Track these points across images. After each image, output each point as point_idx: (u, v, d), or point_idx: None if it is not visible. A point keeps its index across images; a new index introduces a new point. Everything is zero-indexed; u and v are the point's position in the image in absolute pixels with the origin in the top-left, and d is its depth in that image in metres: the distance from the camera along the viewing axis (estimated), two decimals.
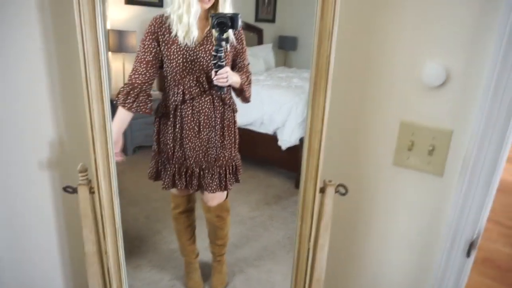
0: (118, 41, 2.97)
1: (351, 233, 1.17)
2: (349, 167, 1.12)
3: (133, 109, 1.38)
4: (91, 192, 0.91)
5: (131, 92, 1.38)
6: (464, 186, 0.96)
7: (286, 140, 2.68)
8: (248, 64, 1.56)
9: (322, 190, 0.98)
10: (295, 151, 2.66)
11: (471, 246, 1.01)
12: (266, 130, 2.74)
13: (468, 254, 1.01)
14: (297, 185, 2.80)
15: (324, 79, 0.87)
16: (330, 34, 0.84)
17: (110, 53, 2.85)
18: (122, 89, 1.40)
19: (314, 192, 0.95)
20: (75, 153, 1.03)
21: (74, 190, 0.91)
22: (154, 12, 3.70)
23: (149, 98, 1.42)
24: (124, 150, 3.07)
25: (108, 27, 2.81)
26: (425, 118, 1.00)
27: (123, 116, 1.39)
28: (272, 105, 2.69)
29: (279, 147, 2.67)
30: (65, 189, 0.92)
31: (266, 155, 2.78)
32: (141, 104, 1.39)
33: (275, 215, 2.45)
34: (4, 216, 0.99)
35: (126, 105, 1.37)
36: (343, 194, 0.99)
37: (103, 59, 0.82)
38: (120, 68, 2.95)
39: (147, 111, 1.41)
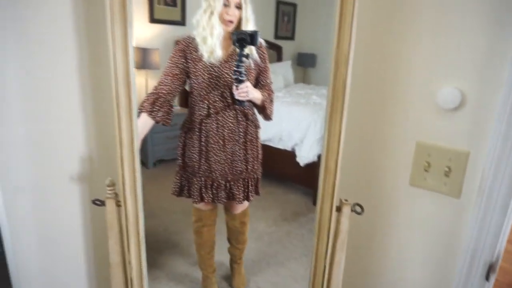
0: (142, 58, 3.10)
1: (367, 252, 1.19)
2: (365, 186, 1.15)
3: (158, 118, 1.44)
4: (118, 205, 0.97)
5: (156, 101, 1.45)
6: (481, 207, 0.97)
7: (304, 157, 2.71)
8: (271, 83, 1.63)
9: (338, 209, 1.00)
10: (313, 167, 2.68)
11: (490, 269, 1.00)
12: (285, 146, 2.78)
13: (487, 277, 1.01)
14: (314, 202, 2.81)
15: (340, 102, 0.91)
16: (346, 60, 0.88)
17: (134, 69, 2.98)
18: (146, 98, 1.48)
19: (331, 211, 0.98)
20: (103, 168, 1.10)
21: (102, 203, 0.97)
22: (177, 30, 3.86)
23: (171, 109, 1.50)
24: (145, 164, 3.17)
25: (133, 45, 2.95)
26: (441, 140, 1.02)
27: (145, 123, 1.44)
28: (291, 122, 2.73)
29: (297, 163, 2.70)
30: (94, 201, 0.98)
31: (284, 171, 2.82)
32: (164, 114, 1.46)
33: (292, 231, 2.46)
34: (36, 225, 1.05)
35: (152, 113, 1.43)
36: (359, 213, 1.01)
37: (132, 79, 0.89)
38: (143, 84, 3.07)
39: (168, 122, 1.48)
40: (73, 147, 1.08)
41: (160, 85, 1.48)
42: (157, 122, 1.45)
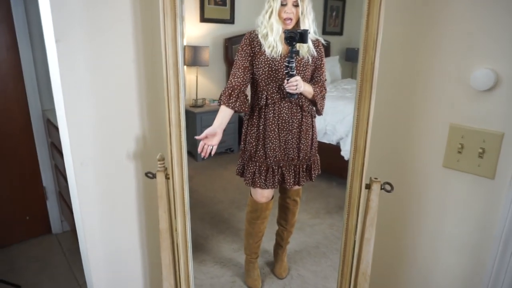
0: (192, 56, 3.32)
1: (399, 231, 1.24)
2: (398, 167, 1.20)
3: (236, 108, 1.63)
4: (167, 178, 1.12)
5: (232, 93, 1.63)
6: None
7: (349, 151, 2.73)
8: (325, 80, 1.76)
9: (368, 187, 1.07)
10: None
11: None
12: (329, 140, 2.83)
13: None
14: None
15: (369, 84, 0.98)
16: (375, 43, 0.95)
17: (185, 66, 3.20)
18: (224, 91, 1.66)
19: (360, 188, 1.05)
20: (155, 146, 1.27)
21: (154, 176, 1.12)
22: (226, 28, 4.05)
23: (247, 98, 1.69)
24: (194, 156, 3.39)
25: (184, 43, 3.16)
26: (475, 121, 1.05)
27: (225, 113, 1.63)
28: (336, 116, 2.78)
29: (342, 157, 2.73)
30: (146, 174, 1.14)
31: (328, 165, 2.86)
32: (242, 104, 1.64)
33: (335, 224, 2.51)
34: (100, 194, 1.24)
35: (230, 104, 1.61)
36: (389, 191, 1.07)
37: (181, 69, 1.03)
38: (194, 80, 3.29)
39: (246, 109, 1.66)
40: (130, 128, 1.25)
41: (234, 78, 1.66)
42: (235, 111, 1.64)
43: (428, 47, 1.09)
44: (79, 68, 1.12)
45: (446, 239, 1.15)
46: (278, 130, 1.69)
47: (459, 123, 1.08)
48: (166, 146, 1.09)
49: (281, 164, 1.75)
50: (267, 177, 1.76)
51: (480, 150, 1.05)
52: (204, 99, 3.29)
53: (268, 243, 2.12)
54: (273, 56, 1.60)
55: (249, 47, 1.65)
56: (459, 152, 1.09)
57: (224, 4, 3.77)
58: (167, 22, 1.00)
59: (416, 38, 1.10)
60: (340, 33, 3.94)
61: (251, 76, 1.69)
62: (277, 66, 1.60)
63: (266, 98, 1.66)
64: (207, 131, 1.61)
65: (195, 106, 3.20)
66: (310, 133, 1.77)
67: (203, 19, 3.53)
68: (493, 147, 1.03)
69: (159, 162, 1.12)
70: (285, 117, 1.68)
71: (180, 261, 1.15)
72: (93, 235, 1.25)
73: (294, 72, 1.52)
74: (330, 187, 2.90)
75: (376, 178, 1.07)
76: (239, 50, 1.67)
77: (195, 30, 3.44)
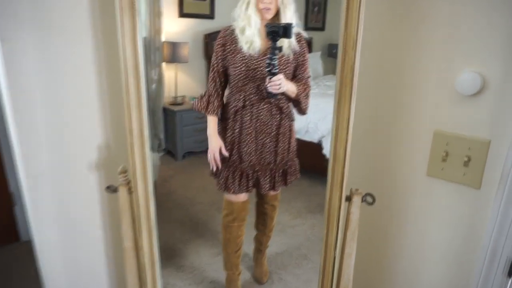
0: (171, 52, 3.17)
1: (380, 246, 1.15)
2: (379, 176, 1.11)
3: (219, 114, 1.59)
4: (130, 192, 1.00)
5: (209, 100, 1.58)
6: (503, 199, 0.91)
7: None
8: (309, 77, 1.62)
9: (349, 199, 0.98)
10: None
11: None
12: (311, 139, 2.75)
13: (510, 274, 0.95)
14: None
15: (348, 88, 0.89)
16: (355, 43, 0.85)
17: (164, 63, 3.06)
18: (201, 99, 1.61)
19: (340, 200, 0.96)
20: (121, 156, 1.14)
21: (115, 190, 1.01)
22: (206, 24, 3.89)
23: (222, 105, 1.61)
24: (175, 156, 3.25)
25: (163, 39, 3.02)
26: (460, 128, 0.97)
27: (213, 120, 1.60)
28: (318, 114, 2.69)
29: (324, 156, 2.66)
30: (108, 188, 1.02)
31: (310, 164, 2.78)
32: (215, 108, 1.58)
33: (317, 224, 2.44)
34: (56, 211, 1.12)
35: (213, 112, 1.58)
36: (371, 204, 0.98)
37: (142, 73, 0.91)
38: (173, 77, 3.14)
39: (217, 115, 1.60)
40: (91, 135, 1.12)
41: (210, 84, 1.59)
42: (212, 115, 1.61)
43: (411, 48, 1.00)
44: (30, 70, 0.99)
45: (431, 251, 1.07)
46: (255, 133, 1.57)
47: (443, 129, 1.00)
48: (127, 157, 0.98)
49: (257, 169, 1.64)
50: (241, 182, 1.64)
51: (466, 158, 0.97)
52: (184, 97, 3.15)
53: (248, 246, 2.03)
54: (250, 53, 1.47)
55: (222, 48, 1.53)
56: (444, 160, 1.01)
57: None
58: (125, 19, 0.88)
59: (399, 39, 1.01)
60: (322, 28, 3.85)
61: (226, 79, 1.58)
62: (256, 65, 1.47)
63: (244, 100, 1.53)
64: (211, 150, 1.61)
65: (175, 103, 3.07)
66: (288, 136, 1.64)
67: (182, 14, 3.38)
68: (479, 155, 0.95)
69: (120, 175, 1.00)
70: (264, 119, 1.56)
71: (147, 281, 1.04)
72: (52, 257, 1.13)
73: (277, 70, 1.38)
74: (311, 185, 2.82)
75: (357, 190, 0.98)
76: (214, 50, 1.56)
77: (174, 26, 3.29)
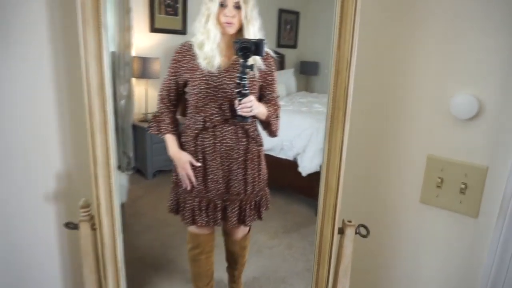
0: (142, 68, 3.00)
1: (373, 279, 1.06)
2: (370, 205, 1.02)
3: (162, 133, 1.40)
4: (93, 228, 0.85)
5: (161, 120, 1.41)
6: (503, 229, 0.84)
7: (306, 167, 2.57)
8: (278, 96, 1.48)
9: (341, 231, 0.88)
10: (316, 177, 2.54)
11: None
12: (286, 156, 2.65)
13: None
14: (317, 213, 2.66)
15: (342, 111, 0.79)
16: (349, 64, 0.76)
17: (133, 79, 2.89)
18: (153, 118, 1.44)
19: (332, 233, 0.86)
20: (83, 186, 0.98)
21: (76, 226, 0.85)
22: (177, 39, 3.75)
23: (175, 122, 1.42)
24: (144, 175, 3.05)
25: (133, 54, 2.86)
26: (456, 153, 0.90)
27: (172, 138, 1.41)
28: (292, 131, 2.61)
29: (299, 173, 2.57)
30: (66, 225, 0.86)
31: (285, 181, 2.68)
32: (168, 126, 1.41)
33: (294, 244, 2.32)
34: (5, 250, 0.94)
35: (171, 131, 1.41)
36: (365, 236, 0.88)
37: (108, 93, 0.77)
38: (143, 93, 2.97)
39: (175, 132, 1.41)
40: (48, 162, 0.96)
41: (161, 101, 1.43)
42: (163, 136, 1.43)
43: (404, 69, 0.92)
44: None
45: (425, 283, 0.98)
46: (221, 159, 1.40)
47: (438, 154, 0.92)
48: (91, 189, 0.83)
49: (225, 198, 1.45)
50: (209, 213, 1.47)
51: (462, 186, 0.90)
52: (154, 113, 2.99)
53: (221, 271, 1.87)
54: (209, 70, 1.30)
55: (178, 65, 1.37)
56: (438, 187, 0.93)
57: (176, 14, 3.49)
58: (88, 32, 0.74)
59: (391, 59, 0.94)
60: (294, 46, 3.81)
61: (179, 98, 1.43)
62: (216, 82, 1.31)
63: (204, 121, 1.35)
64: (182, 167, 1.42)
65: (145, 120, 2.90)
66: (257, 163, 1.46)
67: (153, 29, 3.23)
68: (476, 182, 0.88)
69: (82, 210, 0.85)
70: (229, 143, 1.38)
71: None
72: None
73: (247, 91, 1.23)
74: (287, 203, 2.71)
75: (349, 221, 0.88)
76: (169, 66, 1.40)
77: (144, 41, 3.13)
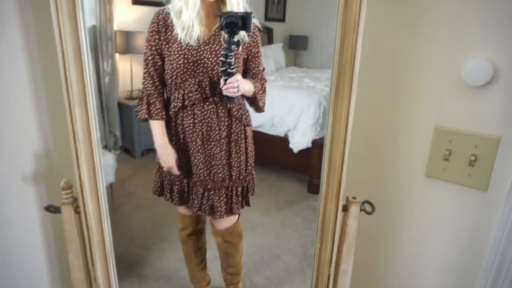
0: (125, 42, 2.84)
1: (377, 256, 1.00)
2: (374, 180, 0.95)
3: (152, 117, 1.25)
4: (77, 212, 0.76)
5: (150, 102, 1.25)
6: None
7: (297, 143, 2.51)
8: (264, 69, 1.35)
9: (345, 209, 0.81)
10: (307, 154, 2.50)
11: None
12: (277, 132, 2.58)
13: None
14: (309, 189, 2.61)
15: (348, 79, 0.71)
16: (357, 24, 0.68)
17: (117, 54, 2.74)
18: (140, 102, 1.27)
19: (336, 211, 0.79)
20: (64, 166, 0.89)
21: (57, 210, 0.76)
22: None
23: (166, 106, 1.27)
24: (132, 154, 2.94)
25: (115, 28, 2.69)
26: (466, 123, 0.83)
27: (159, 125, 1.26)
28: (283, 107, 2.53)
29: (291, 150, 2.51)
30: (47, 208, 0.77)
31: (277, 158, 2.63)
32: (158, 110, 1.25)
33: (287, 221, 2.29)
34: None
35: (157, 116, 1.25)
36: (370, 213, 0.82)
37: (86, 59, 0.67)
38: (128, 69, 2.83)
39: (164, 117, 1.27)
40: (24, 140, 0.86)
41: (146, 80, 1.27)
42: (158, 120, 1.28)
43: (411, 32, 0.84)
44: None
45: (430, 261, 0.93)
46: (203, 141, 1.27)
47: (446, 125, 0.86)
48: (73, 169, 0.74)
49: (209, 187, 1.32)
50: (193, 197, 1.35)
51: (472, 158, 0.84)
52: (140, 90, 2.85)
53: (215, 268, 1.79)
54: (188, 42, 1.17)
55: (157, 36, 1.22)
56: (446, 159, 0.87)
57: None
58: None
59: (398, 21, 0.85)
60: (282, 19, 3.67)
61: (164, 73, 1.27)
62: (196, 57, 1.18)
63: (183, 99, 1.22)
64: (167, 165, 1.28)
65: (131, 98, 2.76)
66: (243, 145, 1.33)
67: (136, 1, 3.04)
68: (487, 154, 0.82)
69: (64, 192, 0.76)
70: (210, 123, 1.24)
71: None
72: None
73: (234, 70, 1.11)
74: (278, 180, 2.67)
75: (354, 198, 0.81)
76: (146, 39, 1.23)
77: (127, 14, 2.94)
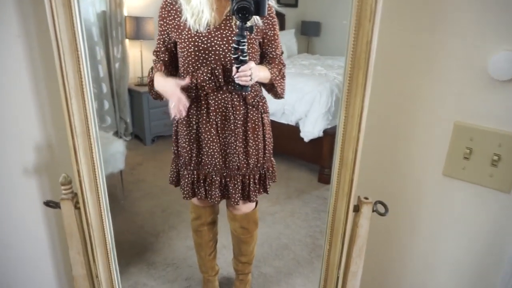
0: (135, 28, 2.79)
1: (389, 258, 0.95)
2: (387, 178, 0.90)
3: (155, 73, 1.19)
4: (76, 207, 0.74)
5: (151, 72, 1.22)
6: None
7: (309, 132, 2.45)
8: (282, 53, 1.27)
9: (356, 209, 0.76)
10: (319, 143, 2.44)
11: None
12: (288, 121, 2.53)
13: None
14: (319, 179, 2.56)
15: (362, 72, 0.65)
16: (373, 12, 0.61)
17: (127, 40, 2.69)
18: (154, 64, 1.24)
19: (347, 211, 0.74)
20: (66, 159, 0.86)
21: (57, 205, 0.74)
22: None
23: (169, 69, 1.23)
24: (143, 140, 2.92)
25: (125, 14, 2.64)
26: (488, 120, 0.76)
27: (155, 78, 1.18)
28: (295, 94, 2.46)
29: (302, 139, 2.45)
30: (47, 203, 0.75)
31: (287, 147, 2.58)
32: (159, 69, 1.19)
33: (296, 211, 2.26)
34: None
35: (149, 86, 1.21)
36: (383, 214, 0.77)
37: (82, 50, 0.63)
38: (138, 55, 2.78)
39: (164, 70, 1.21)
40: (25, 132, 0.83)
41: (155, 62, 1.23)
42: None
43: (433, 21, 0.76)
44: None
45: (446, 265, 0.88)
46: (217, 131, 1.22)
47: (467, 121, 0.79)
48: (71, 164, 0.70)
49: (225, 174, 1.29)
50: (207, 189, 1.31)
51: (495, 157, 0.77)
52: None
53: (228, 254, 1.77)
54: (198, 29, 1.11)
55: (163, 21, 1.17)
56: (466, 158, 0.81)
57: None
58: None
59: (418, 10, 0.78)
60: (295, 5, 3.56)
61: (175, 58, 1.21)
62: (208, 44, 1.12)
63: (196, 88, 1.16)
64: (172, 93, 1.13)
65: (141, 84, 2.73)
66: (261, 132, 1.28)
67: None
68: None
69: (63, 187, 0.73)
70: (225, 112, 1.20)
71: None
72: None
73: (247, 58, 1.05)
74: (289, 169, 2.63)
75: (366, 198, 0.76)
76: (158, 26, 1.19)
77: None
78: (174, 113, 1.13)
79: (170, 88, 1.14)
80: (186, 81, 1.13)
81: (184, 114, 1.15)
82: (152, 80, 1.20)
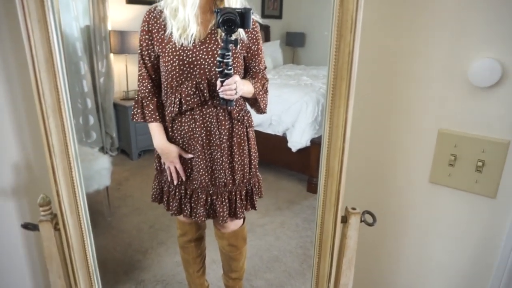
0: (120, 42, 2.77)
1: (379, 268, 0.94)
2: (375, 187, 0.89)
3: (147, 120, 1.19)
4: (56, 229, 0.71)
5: (144, 106, 1.20)
6: None
7: (296, 142, 2.45)
8: (265, 68, 1.26)
9: (344, 220, 0.75)
10: (306, 153, 2.44)
11: None
12: (275, 131, 2.52)
13: None
14: (308, 189, 2.54)
15: (345, 83, 0.65)
16: (354, 23, 0.61)
17: (112, 54, 2.67)
18: (136, 105, 1.21)
19: (335, 223, 0.73)
20: (46, 179, 0.83)
21: (35, 227, 0.70)
22: None
23: (161, 107, 1.21)
24: (129, 155, 2.87)
25: (109, 28, 2.62)
26: (472, 127, 0.77)
27: (157, 127, 1.20)
28: (281, 105, 2.46)
29: (290, 149, 2.45)
30: (25, 226, 0.72)
31: (275, 157, 2.57)
32: (152, 113, 1.19)
33: (286, 222, 2.23)
34: None
35: (156, 118, 1.20)
36: (371, 224, 0.76)
37: (59, 65, 0.61)
38: (123, 69, 2.76)
39: (159, 119, 1.21)
40: (3, 153, 0.80)
41: (141, 82, 1.20)
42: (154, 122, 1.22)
43: (414, 30, 0.77)
44: None
45: (435, 273, 0.87)
46: (202, 147, 1.19)
47: (451, 128, 0.79)
48: (50, 184, 0.68)
49: (211, 192, 1.25)
50: (192, 205, 1.27)
51: (479, 163, 0.78)
52: (136, 91, 2.79)
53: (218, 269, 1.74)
54: (183, 43, 1.08)
55: (148, 35, 1.14)
56: (451, 165, 0.81)
57: None
58: None
59: (399, 18, 0.78)
60: (279, 16, 3.60)
61: (160, 74, 1.19)
62: (192, 57, 1.09)
63: (180, 103, 1.13)
64: (170, 161, 1.22)
65: (126, 98, 2.70)
66: (246, 147, 1.25)
67: (130, 0, 2.98)
68: (496, 159, 0.76)
69: (42, 209, 0.70)
70: (210, 127, 1.17)
71: None
72: None
73: (231, 71, 1.03)
74: (277, 180, 2.61)
75: (354, 209, 0.75)
76: (139, 39, 1.15)
77: (121, 13, 2.87)
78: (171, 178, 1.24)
79: (171, 157, 1.21)
80: (189, 156, 1.20)
81: (175, 182, 1.24)
82: (140, 108, 1.19)
